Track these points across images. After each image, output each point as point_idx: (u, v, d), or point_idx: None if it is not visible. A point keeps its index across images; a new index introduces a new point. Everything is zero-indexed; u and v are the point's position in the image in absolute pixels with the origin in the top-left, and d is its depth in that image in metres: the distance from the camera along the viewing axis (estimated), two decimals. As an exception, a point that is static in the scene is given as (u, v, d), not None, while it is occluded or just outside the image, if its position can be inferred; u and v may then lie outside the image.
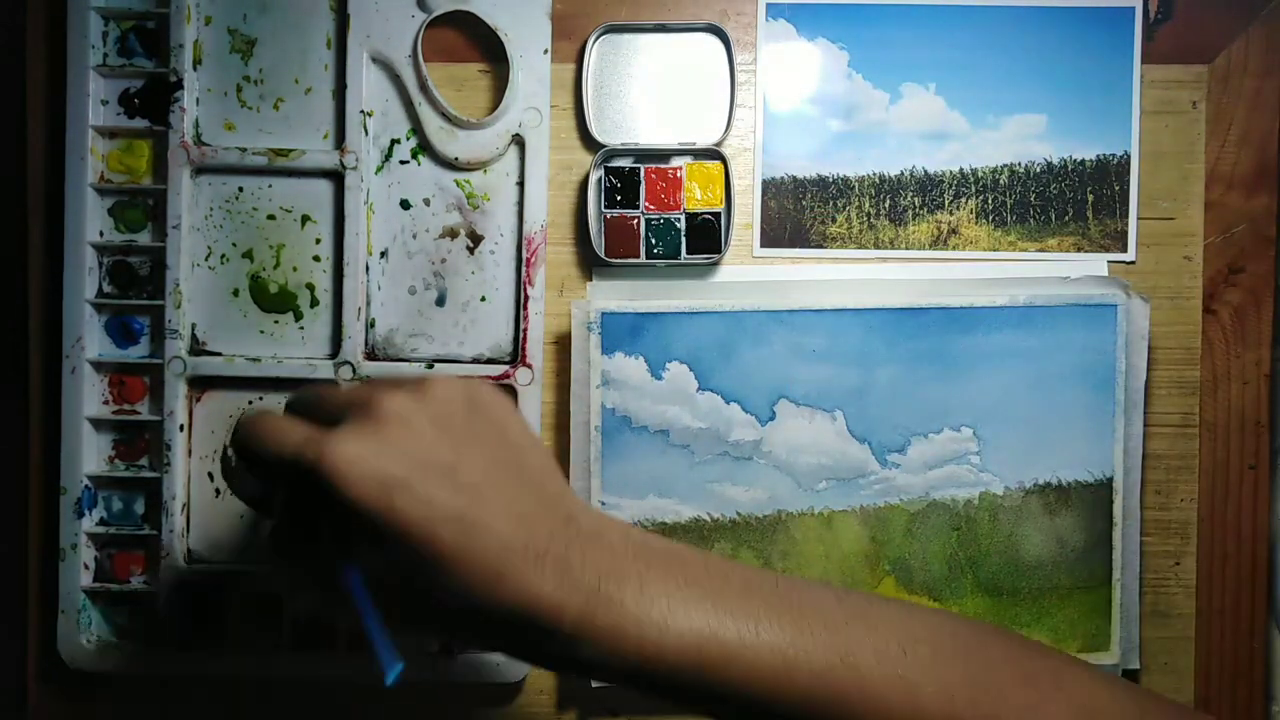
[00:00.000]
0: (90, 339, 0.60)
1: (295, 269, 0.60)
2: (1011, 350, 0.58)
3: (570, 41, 0.60)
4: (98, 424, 0.60)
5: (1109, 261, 0.60)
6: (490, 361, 0.60)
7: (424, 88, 0.59)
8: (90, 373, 0.60)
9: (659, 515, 0.58)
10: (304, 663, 0.60)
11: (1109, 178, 0.60)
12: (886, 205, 0.60)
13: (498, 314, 0.60)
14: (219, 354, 0.60)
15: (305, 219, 0.60)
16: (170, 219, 0.59)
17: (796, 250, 0.60)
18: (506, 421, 0.41)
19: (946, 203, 0.60)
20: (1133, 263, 0.60)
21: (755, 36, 0.60)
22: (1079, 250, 0.60)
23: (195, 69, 0.60)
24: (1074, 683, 0.41)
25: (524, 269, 0.59)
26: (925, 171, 0.60)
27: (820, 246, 0.60)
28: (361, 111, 0.59)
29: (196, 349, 0.60)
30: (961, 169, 0.60)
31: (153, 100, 0.60)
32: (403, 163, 0.60)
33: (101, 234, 0.60)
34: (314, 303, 0.60)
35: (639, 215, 0.59)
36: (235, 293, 0.60)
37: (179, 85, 0.59)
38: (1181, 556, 0.61)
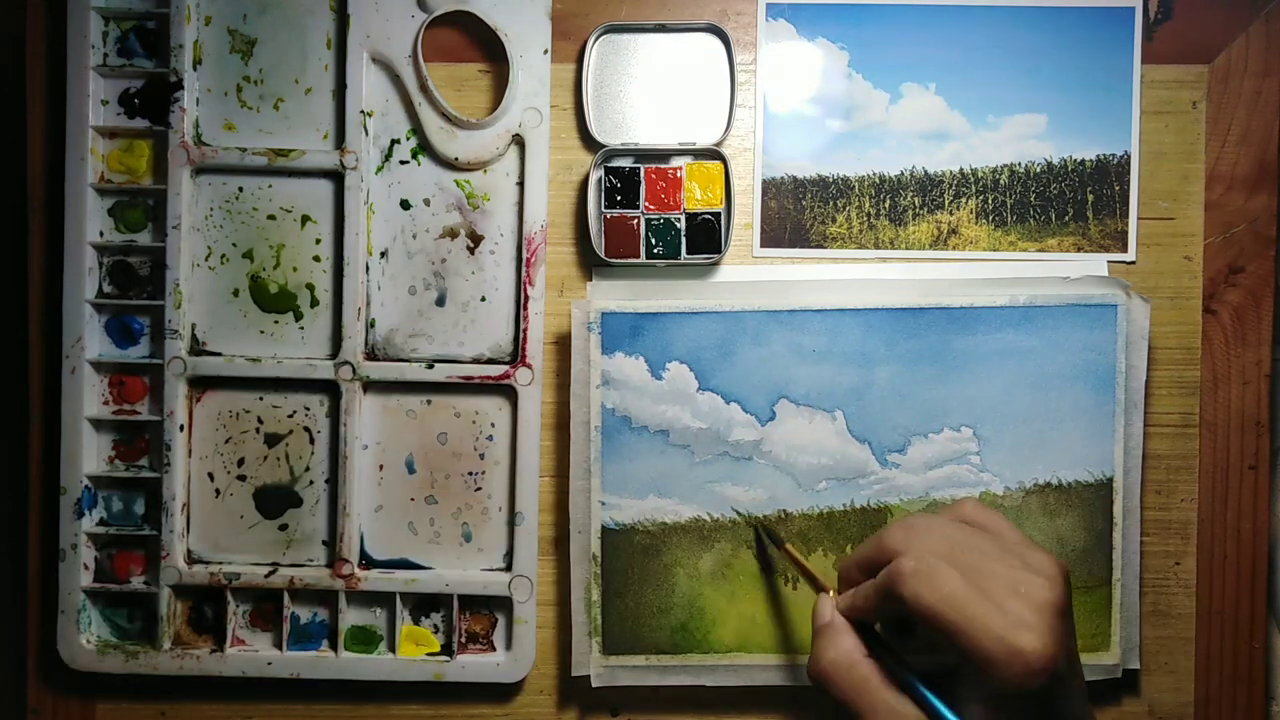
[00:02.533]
0: (90, 339, 0.60)
1: (295, 269, 0.60)
2: (1011, 350, 0.58)
3: (570, 41, 0.60)
4: (98, 424, 0.60)
5: (1109, 261, 0.60)
6: (490, 361, 0.60)
7: (424, 88, 0.59)
8: (90, 373, 0.60)
9: (659, 515, 0.59)
10: (304, 663, 0.60)
11: (1109, 178, 0.60)
12: (886, 205, 0.60)
13: (498, 314, 0.60)
14: (219, 354, 0.60)
15: (305, 219, 0.60)
16: (170, 219, 0.59)
17: (796, 250, 0.60)
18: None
19: (946, 203, 0.60)
20: (1133, 263, 0.60)
21: (755, 36, 0.60)
22: (1079, 250, 0.60)
23: (195, 69, 0.60)
24: None
25: (524, 269, 0.59)
26: (925, 171, 0.60)
27: (820, 246, 0.60)
28: (361, 111, 0.59)
29: (196, 349, 0.60)
30: (961, 169, 0.60)
31: (153, 100, 0.60)
32: (403, 163, 0.60)
33: (101, 234, 0.60)
34: (314, 303, 0.60)
35: (639, 215, 0.59)
36: (235, 293, 0.60)
37: (179, 85, 0.59)
38: (1181, 556, 0.61)
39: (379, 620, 0.60)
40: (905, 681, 0.45)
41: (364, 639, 0.60)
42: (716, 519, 0.59)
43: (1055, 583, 0.44)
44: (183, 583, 0.60)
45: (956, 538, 0.46)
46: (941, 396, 0.58)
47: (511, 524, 0.60)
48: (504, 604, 0.60)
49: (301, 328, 0.60)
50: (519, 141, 0.59)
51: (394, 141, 0.60)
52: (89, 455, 0.60)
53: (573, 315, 0.58)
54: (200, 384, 0.60)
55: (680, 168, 0.59)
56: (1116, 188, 0.60)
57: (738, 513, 0.58)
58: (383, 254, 0.60)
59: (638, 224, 0.59)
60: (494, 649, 0.60)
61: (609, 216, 0.59)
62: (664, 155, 0.59)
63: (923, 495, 0.58)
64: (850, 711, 0.45)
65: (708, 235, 0.59)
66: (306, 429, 0.60)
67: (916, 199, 0.60)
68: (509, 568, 0.60)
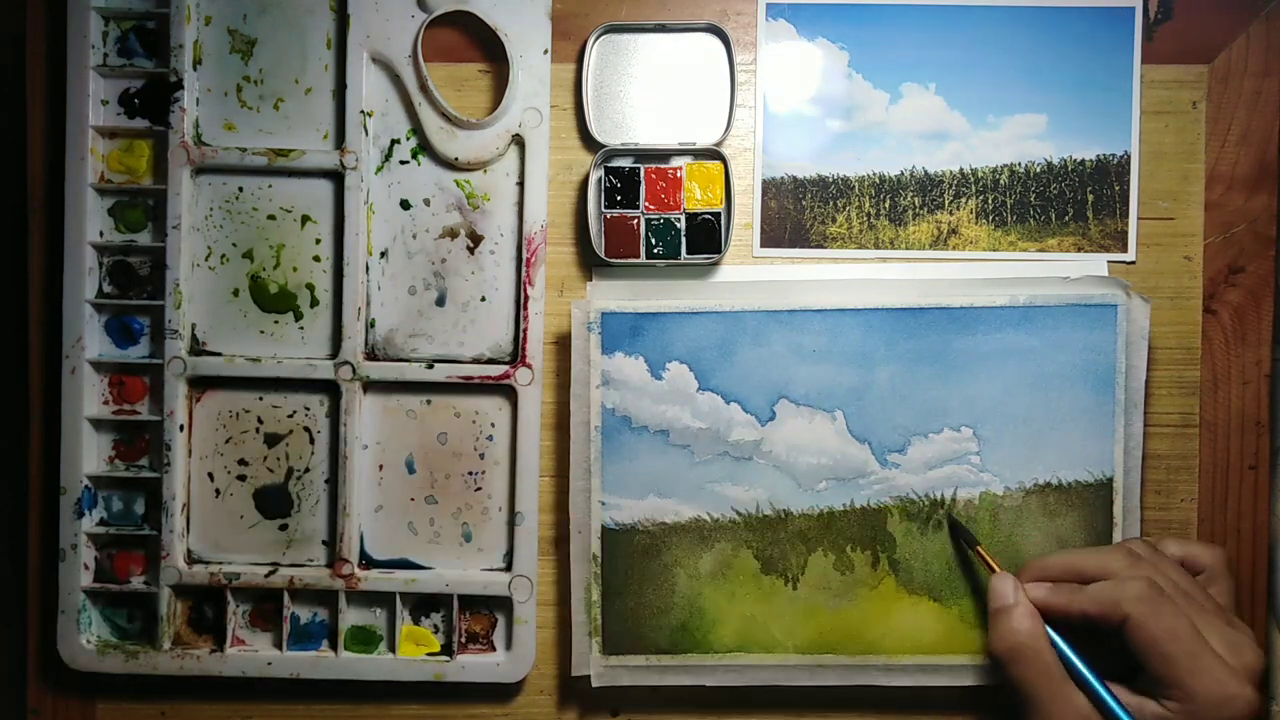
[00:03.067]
0: (90, 339, 0.60)
1: (295, 269, 0.60)
2: (1011, 350, 0.58)
3: (570, 41, 0.60)
4: (98, 424, 0.60)
5: (1109, 261, 0.60)
6: (490, 361, 0.60)
7: (424, 88, 0.59)
8: (90, 373, 0.60)
9: (659, 515, 0.58)
10: (304, 663, 0.60)
11: (1109, 178, 0.60)
12: (886, 205, 0.60)
13: (498, 314, 0.60)
14: (219, 354, 0.60)
15: (305, 219, 0.60)
16: (170, 219, 0.59)
17: (796, 250, 0.60)
18: None
19: (946, 203, 0.60)
20: (1133, 263, 0.60)
21: (755, 36, 0.60)
22: (1079, 250, 0.60)
23: (195, 69, 0.60)
24: None
25: (524, 269, 0.59)
26: (925, 171, 0.60)
27: (820, 246, 0.60)
28: (361, 111, 0.59)
29: (196, 349, 0.60)
30: (961, 169, 0.60)
31: (153, 100, 0.60)
32: (403, 163, 0.60)
33: (101, 234, 0.60)
34: (314, 303, 0.60)
35: (639, 215, 0.59)
36: (235, 293, 0.60)
37: (179, 85, 0.59)
38: (1181, 556, 0.61)
39: (379, 620, 0.60)
40: (1084, 679, 0.48)
41: (364, 639, 0.60)
42: (716, 519, 0.59)
43: (1256, 647, 0.48)
44: (183, 583, 0.60)
45: (1180, 584, 0.49)
46: (941, 396, 0.58)
47: (511, 524, 0.60)
48: (504, 604, 0.60)
49: (301, 328, 0.60)
50: (519, 141, 0.59)
51: (394, 141, 0.60)
52: (89, 455, 0.60)
53: (573, 315, 0.58)
54: (200, 384, 0.60)
55: (680, 168, 0.59)
56: (1116, 188, 0.60)
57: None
58: (383, 254, 0.60)
59: (638, 224, 0.59)
60: (494, 649, 0.60)
61: (609, 216, 0.59)
62: (664, 155, 0.59)
63: (923, 495, 0.58)
64: (1027, 695, 0.49)
65: (708, 235, 0.59)
66: (306, 429, 0.60)
67: (916, 199, 0.60)
68: (509, 568, 0.60)
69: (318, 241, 0.60)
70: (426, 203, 0.60)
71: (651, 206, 0.59)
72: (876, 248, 0.60)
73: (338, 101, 0.60)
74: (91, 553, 0.60)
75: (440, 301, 0.60)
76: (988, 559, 0.56)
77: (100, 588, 0.60)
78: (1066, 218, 0.60)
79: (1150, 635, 0.46)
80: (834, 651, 0.58)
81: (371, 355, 0.60)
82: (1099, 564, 0.51)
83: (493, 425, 0.60)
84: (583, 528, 0.59)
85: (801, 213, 0.60)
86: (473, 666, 0.60)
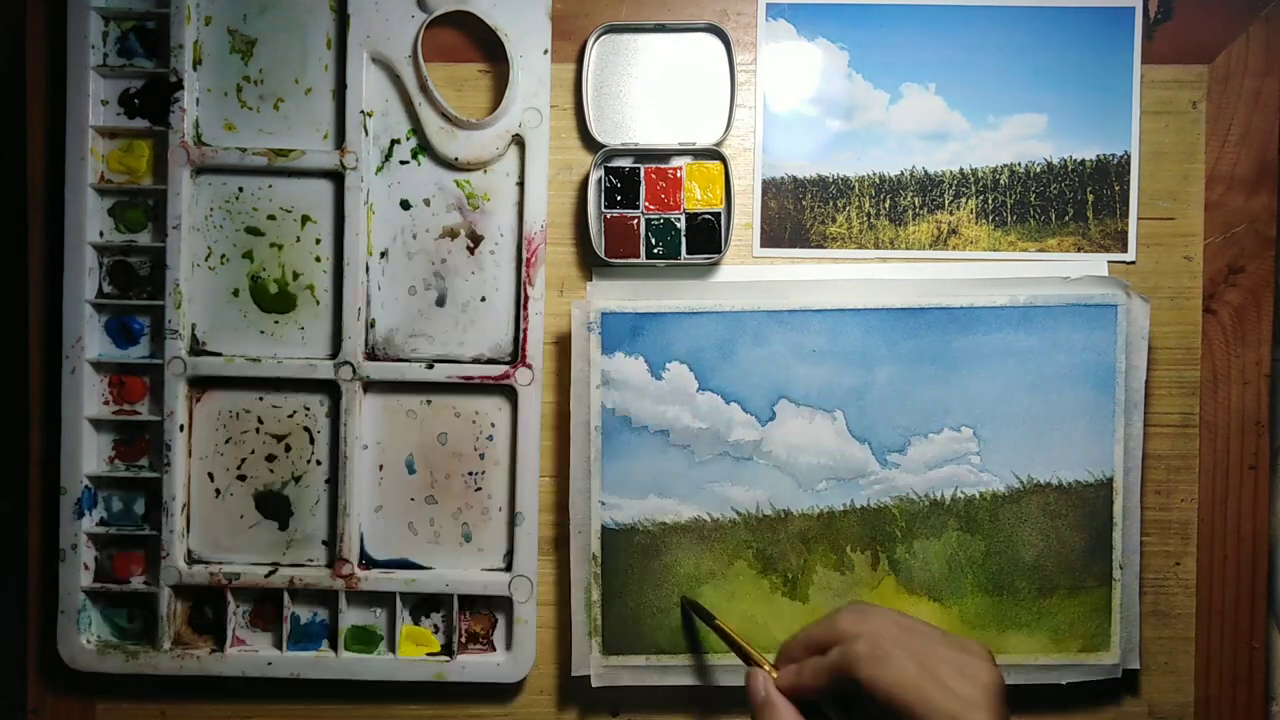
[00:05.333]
0: (90, 339, 0.60)
1: (295, 269, 0.60)
2: (1011, 350, 0.58)
3: (570, 41, 0.60)
4: (98, 424, 0.60)
5: (1109, 261, 0.60)
6: (490, 361, 0.60)
7: (424, 88, 0.59)
8: (90, 373, 0.60)
9: (659, 515, 0.59)
10: (304, 663, 0.60)
11: (1109, 178, 0.60)
12: (886, 205, 0.60)
13: (498, 314, 0.60)
14: (219, 354, 0.60)
15: (305, 219, 0.60)
16: (170, 219, 0.59)
17: (796, 250, 0.60)
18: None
19: (946, 203, 0.60)
20: (1133, 263, 0.60)
21: (755, 36, 0.60)
22: (1079, 250, 0.60)
23: (195, 69, 0.60)
24: None
25: (524, 269, 0.59)
26: (925, 171, 0.60)
27: (820, 246, 0.60)
28: (361, 111, 0.59)
29: (196, 349, 0.60)
30: (961, 169, 0.60)
31: (153, 100, 0.60)
32: (403, 163, 0.60)
33: (101, 234, 0.60)
34: (314, 303, 0.60)
35: (639, 215, 0.59)
36: (235, 293, 0.60)
37: (179, 85, 0.59)
38: (1181, 556, 0.61)
39: (379, 620, 0.60)
40: None
41: (364, 639, 0.60)
42: (716, 519, 0.59)
43: (991, 664, 0.47)
44: (183, 583, 0.60)
45: (904, 624, 0.48)
46: (941, 396, 0.58)
47: (511, 524, 0.60)
48: (504, 604, 0.60)
49: (301, 328, 0.60)
50: (519, 141, 0.59)
51: (394, 141, 0.60)
52: (89, 455, 0.60)
53: (573, 315, 0.58)
54: (200, 384, 0.60)
55: (680, 168, 0.59)
56: (1116, 188, 0.60)
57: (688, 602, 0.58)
58: (383, 254, 0.60)
59: (638, 224, 0.59)
60: (494, 649, 0.60)
61: (609, 216, 0.59)
62: (664, 155, 0.59)
63: (923, 495, 0.58)
64: None
65: (708, 235, 0.59)
66: (306, 429, 0.60)
67: (916, 199, 0.60)
68: (509, 568, 0.60)
69: (318, 241, 0.60)
70: (426, 203, 0.60)
71: (651, 206, 0.59)
72: (876, 248, 0.60)
73: (338, 101, 0.60)
74: (91, 553, 0.60)
75: (440, 301, 0.60)
76: (740, 643, 0.53)
77: (100, 588, 0.60)
78: (1066, 218, 0.60)
79: (883, 691, 0.46)
80: (834, 651, 0.58)
81: (372, 355, 0.60)
82: (827, 629, 0.49)
83: (493, 425, 0.60)
84: (583, 528, 0.59)
85: (801, 213, 0.60)
86: (473, 666, 0.60)
